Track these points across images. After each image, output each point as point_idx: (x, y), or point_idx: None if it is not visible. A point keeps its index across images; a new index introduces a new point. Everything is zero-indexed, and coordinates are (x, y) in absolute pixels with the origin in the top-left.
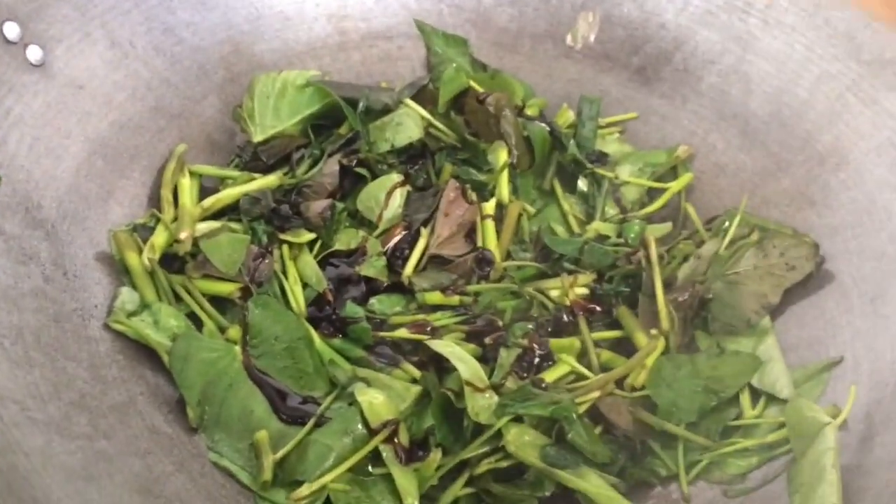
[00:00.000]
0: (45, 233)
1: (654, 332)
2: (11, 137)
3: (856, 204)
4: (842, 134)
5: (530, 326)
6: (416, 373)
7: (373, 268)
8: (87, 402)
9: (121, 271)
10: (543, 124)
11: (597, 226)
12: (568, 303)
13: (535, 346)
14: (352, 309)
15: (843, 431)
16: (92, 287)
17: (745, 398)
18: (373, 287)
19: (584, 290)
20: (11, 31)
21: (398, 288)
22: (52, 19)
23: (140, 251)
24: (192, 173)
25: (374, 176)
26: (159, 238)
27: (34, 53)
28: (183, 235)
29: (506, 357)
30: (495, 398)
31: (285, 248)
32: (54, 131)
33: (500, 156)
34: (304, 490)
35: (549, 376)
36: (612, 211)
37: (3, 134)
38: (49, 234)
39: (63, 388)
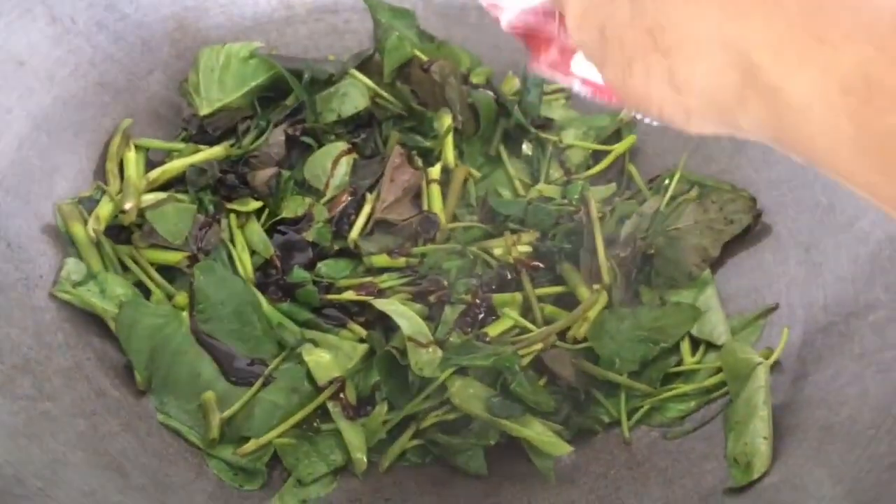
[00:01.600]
0: None
1: (596, 286)
2: None
3: (791, 159)
4: None
5: (474, 283)
6: (363, 332)
7: (319, 233)
8: (32, 366)
9: (67, 243)
10: (489, 91)
11: (541, 188)
12: (511, 260)
13: (477, 301)
14: (298, 274)
15: (776, 374)
16: (37, 258)
17: (686, 346)
18: (320, 253)
19: (528, 248)
20: None
21: (346, 253)
22: None
23: (85, 223)
24: (137, 147)
25: (322, 146)
26: (104, 209)
27: None
28: (128, 206)
29: (449, 313)
30: (439, 352)
31: (232, 216)
32: None
33: (445, 121)
34: (251, 445)
35: (493, 331)
36: (556, 174)
37: None
38: None
39: (6, 353)
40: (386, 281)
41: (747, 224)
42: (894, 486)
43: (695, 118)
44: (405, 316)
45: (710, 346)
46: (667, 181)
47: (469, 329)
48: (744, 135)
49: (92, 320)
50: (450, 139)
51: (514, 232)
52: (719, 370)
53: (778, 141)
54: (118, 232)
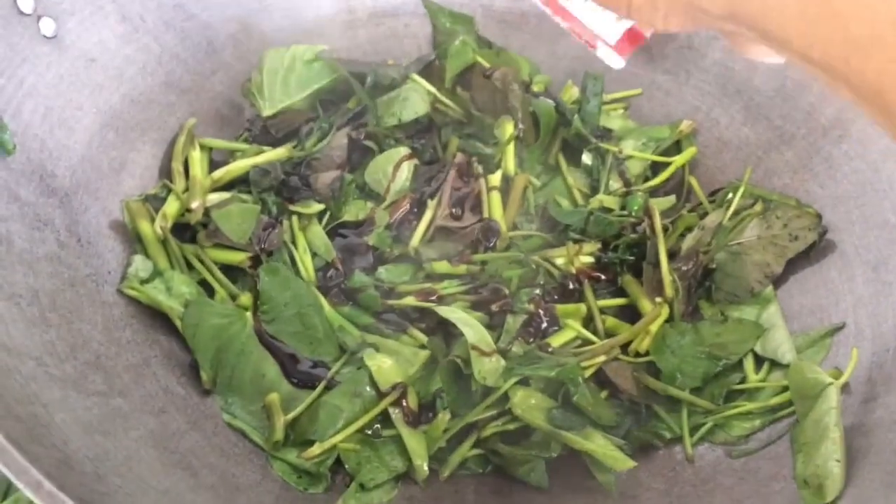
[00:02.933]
0: (58, 201)
1: (658, 299)
2: (25, 107)
3: (858, 175)
4: (844, 106)
5: (536, 292)
6: (424, 338)
7: (380, 238)
8: (103, 362)
9: (134, 240)
10: (549, 100)
11: (601, 198)
12: (573, 271)
13: (540, 311)
14: (359, 278)
15: (845, 394)
16: (105, 254)
17: (749, 364)
18: (381, 257)
19: (590, 259)
20: (25, 3)
21: (406, 258)
22: None
23: (152, 220)
24: (202, 146)
25: (382, 150)
26: (171, 207)
27: (47, 26)
28: (194, 205)
29: (512, 322)
30: (502, 361)
31: (295, 218)
32: (67, 103)
33: (507, 129)
34: (316, 449)
35: (555, 341)
36: (616, 185)
37: (17, 103)
38: (63, 203)
39: (79, 349)
40: (446, 288)
41: (812, 241)
42: None
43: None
44: (469, 324)
45: (774, 364)
46: (730, 195)
47: (531, 339)
48: (702, 18)
49: (158, 317)
50: (511, 147)
51: (575, 242)
52: (784, 388)
53: (734, 16)
54: (183, 230)
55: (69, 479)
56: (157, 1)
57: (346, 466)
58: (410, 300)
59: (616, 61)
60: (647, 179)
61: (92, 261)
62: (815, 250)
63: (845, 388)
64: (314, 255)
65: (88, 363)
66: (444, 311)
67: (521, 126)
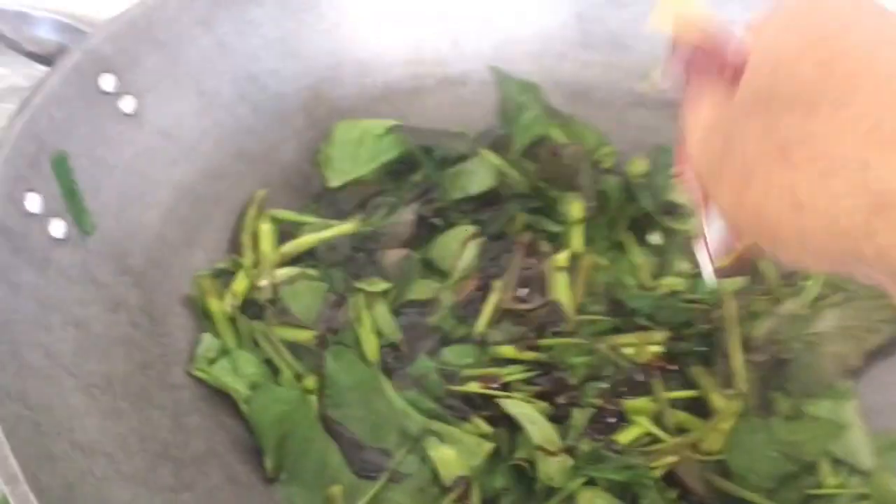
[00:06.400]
0: (133, 280)
1: (730, 393)
2: (104, 187)
3: None
4: None
5: (604, 385)
6: (488, 429)
7: (445, 319)
8: (171, 452)
9: (201, 317)
10: (617, 176)
11: (670, 281)
12: (642, 361)
13: (608, 406)
14: (423, 363)
15: None
16: (175, 333)
17: (826, 466)
18: (445, 338)
19: (659, 348)
20: (108, 82)
21: (470, 339)
22: (145, 70)
23: (221, 297)
24: (271, 219)
25: (447, 222)
26: (240, 285)
27: (128, 104)
28: (264, 283)
29: (579, 417)
30: (568, 461)
31: (360, 296)
32: (143, 179)
33: (576, 208)
34: None
35: (623, 438)
36: (683, 265)
37: (96, 184)
38: (137, 282)
39: (148, 439)
40: (511, 373)
41: (892, 334)
42: None
43: (810, 244)
44: (534, 421)
45: (852, 468)
46: (809, 282)
47: (599, 435)
48: (857, 269)
49: (224, 400)
50: (579, 227)
51: (642, 328)
52: (865, 497)
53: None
54: (248, 306)
55: None
56: (232, 73)
57: None
58: (474, 386)
59: (709, 277)
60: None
61: (163, 340)
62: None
63: None
64: (378, 334)
65: (157, 455)
66: (510, 407)
67: (590, 205)
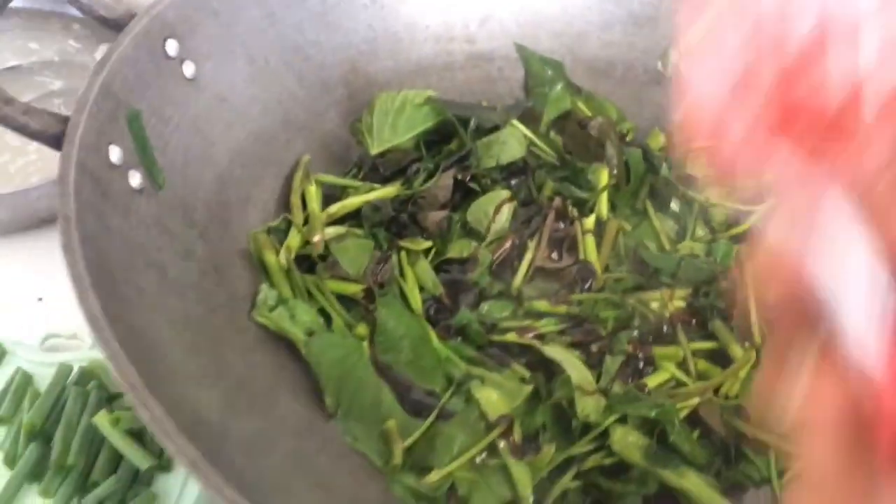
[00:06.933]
0: (198, 233)
1: (747, 344)
2: (171, 145)
3: None
4: None
5: (634, 334)
6: (526, 373)
7: (483, 276)
8: (246, 385)
9: (259, 270)
10: (639, 148)
11: (689, 244)
12: (667, 314)
13: (638, 353)
14: (465, 315)
15: None
16: (237, 282)
17: None
18: (483, 293)
19: (682, 303)
20: (172, 48)
21: (506, 295)
22: (203, 37)
23: (276, 252)
24: (317, 182)
25: (484, 191)
26: (293, 240)
27: (189, 68)
28: (316, 239)
29: (610, 363)
30: (603, 400)
31: (403, 253)
32: (202, 140)
33: (602, 176)
34: (435, 475)
35: (652, 382)
36: (701, 231)
37: (165, 141)
38: (202, 234)
39: (224, 373)
40: (545, 326)
41: None
42: None
43: None
44: (572, 364)
45: None
46: None
47: (629, 379)
48: None
49: (283, 344)
50: (605, 193)
51: (665, 286)
52: None
53: None
54: (300, 261)
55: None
56: (280, 44)
57: (459, 492)
58: (513, 336)
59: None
60: (729, 227)
61: (227, 288)
62: None
63: None
64: (421, 289)
65: (233, 387)
66: (550, 351)
67: (615, 174)
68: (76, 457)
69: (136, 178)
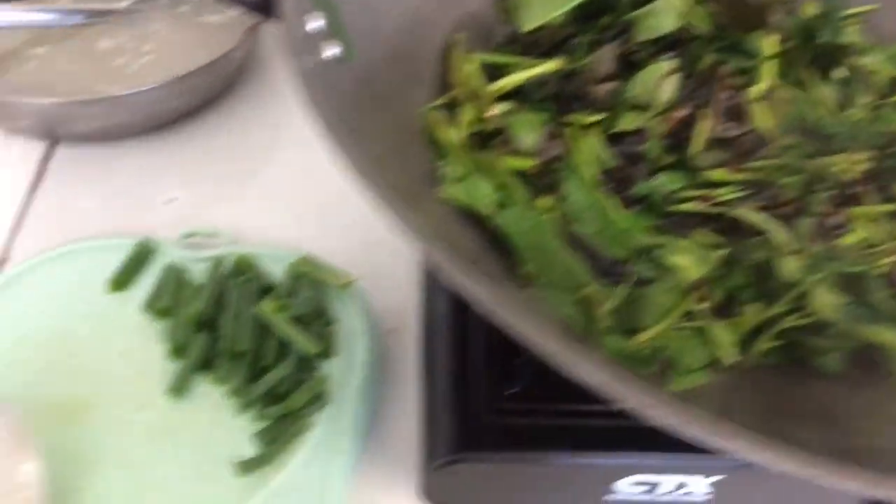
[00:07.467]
0: (380, 105)
1: None
2: (347, 21)
3: None
4: None
5: (825, 195)
6: (716, 239)
7: (655, 147)
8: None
9: (434, 147)
10: (798, 16)
11: (855, 112)
12: (850, 177)
13: (831, 213)
14: (645, 185)
15: None
16: (417, 159)
17: None
18: (656, 164)
19: (864, 166)
20: None
21: (680, 166)
22: None
23: (449, 128)
24: (476, 60)
25: (645, 64)
26: (467, 115)
27: None
28: (490, 113)
29: (805, 224)
30: (803, 260)
31: (573, 128)
32: (372, 17)
33: (769, 44)
34: (644, 336)
35: (846, 241)
36: (863, 99)
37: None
38: (383, 107)
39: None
40: (725, 194)
41: None
42: None
43: None
44: (772, 225)
45: None
46: None
47: (823, 240)
48: None
49: (466, 218)
50: (772, 61)
51: (841, 151)
52: None
53: None
54: (470, 139)
55: None
56: None
57: (669, 352)
58: (695, 205)
59: None
60: (886, 95)
61: (411, 165)
62: None
63: None
64: (595, 161)
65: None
66: (744, 214)
67: (782, 40)
68: (246, 344)
69: (331, 49)
